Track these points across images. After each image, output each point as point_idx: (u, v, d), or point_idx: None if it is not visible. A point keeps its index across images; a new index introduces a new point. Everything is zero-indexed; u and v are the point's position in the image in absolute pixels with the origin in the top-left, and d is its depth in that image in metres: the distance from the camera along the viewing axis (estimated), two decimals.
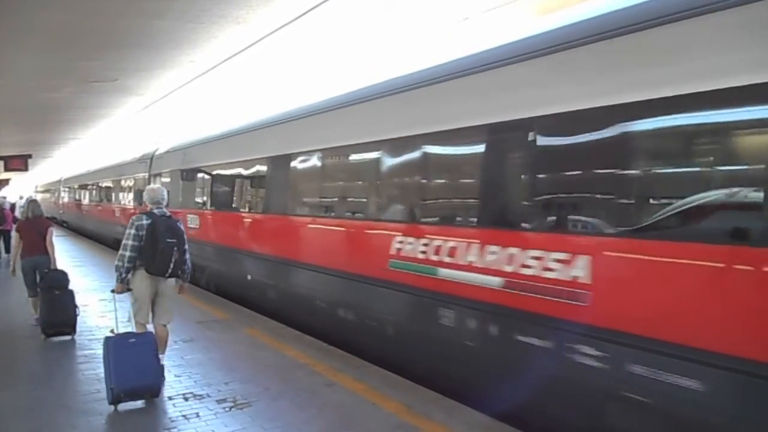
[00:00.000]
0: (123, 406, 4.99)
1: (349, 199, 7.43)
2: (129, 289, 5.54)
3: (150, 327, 5.70)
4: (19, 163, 19.77)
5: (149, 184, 14.18)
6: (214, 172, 11.32)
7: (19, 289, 8.83)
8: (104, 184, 22.32)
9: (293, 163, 8.21)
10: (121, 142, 21.46)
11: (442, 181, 5.88)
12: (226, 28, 7.91)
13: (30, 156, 20.57)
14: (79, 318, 7.66)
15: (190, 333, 7.68)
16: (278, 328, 8.01)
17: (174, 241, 5.46)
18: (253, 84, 11.69)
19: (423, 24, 8.07)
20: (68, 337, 7.43)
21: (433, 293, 5.40)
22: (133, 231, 5.42)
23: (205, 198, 11.82)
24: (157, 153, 15.58)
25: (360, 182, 7.16)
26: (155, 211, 5.61)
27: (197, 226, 11.70)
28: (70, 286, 7.80)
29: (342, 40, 8.74)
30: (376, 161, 6.41)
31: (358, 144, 6.83)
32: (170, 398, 5.28)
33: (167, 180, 13.89)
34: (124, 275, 5.44)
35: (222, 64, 9.89)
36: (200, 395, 5.35)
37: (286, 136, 8.71)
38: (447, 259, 5.26)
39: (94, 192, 24.74)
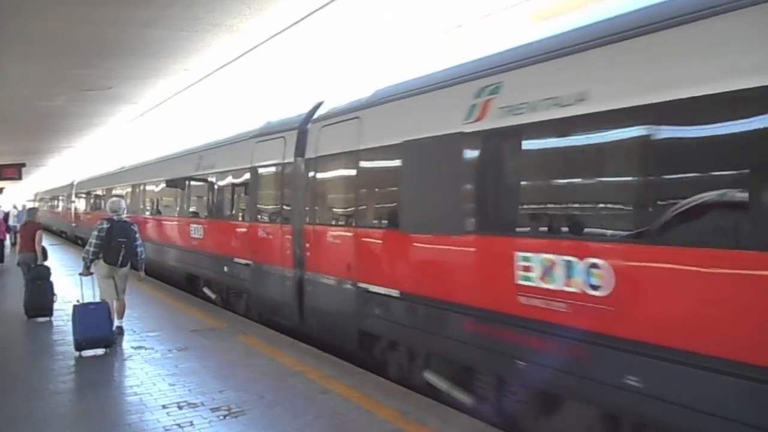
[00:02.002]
0: (85, 353, 7.00)
1: None
2: (90, 273, 7.54)
3: (115, 303, 7.68)
4: (12, 171, 19.64)
5: (300, 176, 7.77)
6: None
7: (17, 286, 10.44)
8: (161, 186, 14.01)
9: None
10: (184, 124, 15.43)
11: None
12: (219, 36, 7.94)
13: (24, 164, 20.48)
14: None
15: (184, 341, 7.66)
16: (273, 336, 7.99)
17: (124, 240, 7.46)
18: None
19: (416, 31, 8.11)
20: (46, 318, 9.18)
21: None
22: (95, 233, 7.45)
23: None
24: (319, 115, 7.64)
25: None
26: (114, 217, 7.58)
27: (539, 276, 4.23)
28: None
29: (336, 45, 8.78)
30: None
31: None
32: (164, 407, 5.26)
33: (368, 163, 6.38)
34: (88, 264, 7.53)
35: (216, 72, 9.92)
36: (194, 404, 5.33)
37: None
38: None
39: (144, 198, 16.25)
